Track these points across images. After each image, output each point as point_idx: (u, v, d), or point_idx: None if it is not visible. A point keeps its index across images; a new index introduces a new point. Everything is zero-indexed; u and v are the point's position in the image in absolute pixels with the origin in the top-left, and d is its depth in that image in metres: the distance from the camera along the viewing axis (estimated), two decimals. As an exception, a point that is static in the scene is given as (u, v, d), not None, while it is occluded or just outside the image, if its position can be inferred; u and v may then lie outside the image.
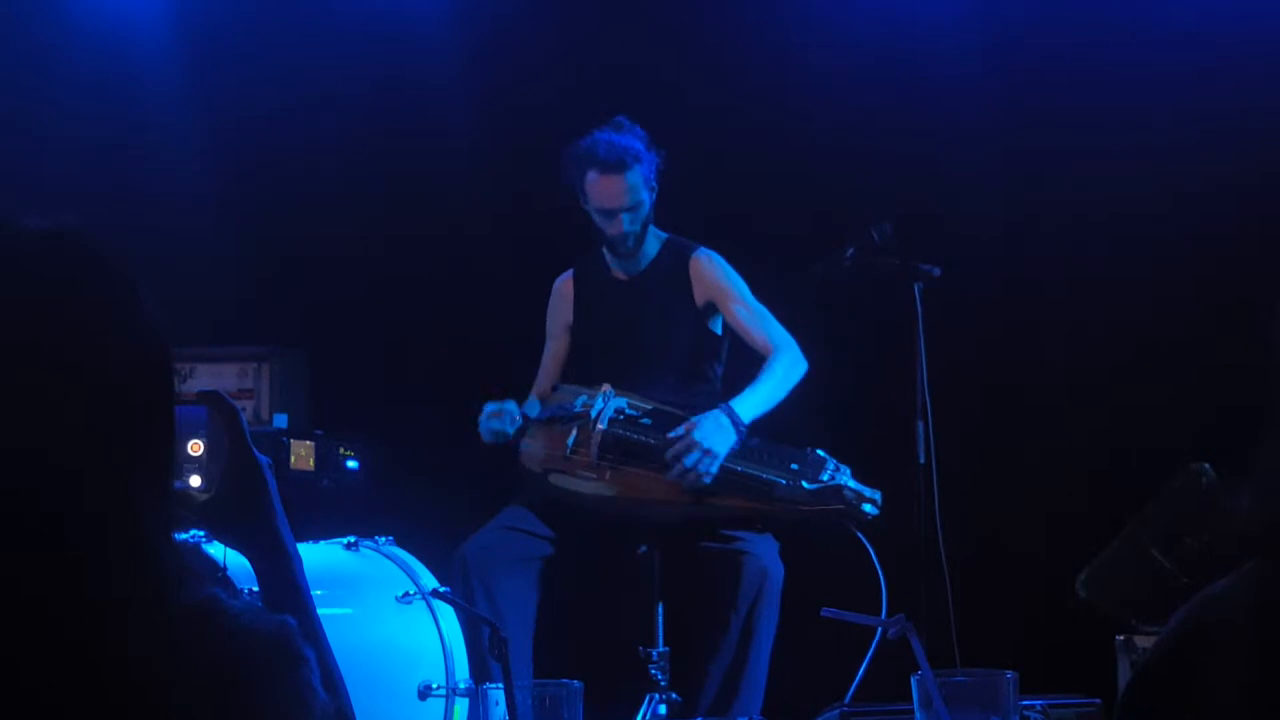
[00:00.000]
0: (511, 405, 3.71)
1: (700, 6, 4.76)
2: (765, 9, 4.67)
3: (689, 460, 3.47)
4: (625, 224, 3.72)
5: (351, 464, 4.24)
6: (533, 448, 3.71)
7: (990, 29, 4.47)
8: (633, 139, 3.69)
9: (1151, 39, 4.33)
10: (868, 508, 3.42)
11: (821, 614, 2.48)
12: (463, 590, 3.47)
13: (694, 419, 3.52)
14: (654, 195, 3.75)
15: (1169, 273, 4.25)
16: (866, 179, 4.40)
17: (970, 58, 4.43)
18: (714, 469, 3.48)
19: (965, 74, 4.41)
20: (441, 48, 4.70)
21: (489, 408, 3.71)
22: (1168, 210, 4.25)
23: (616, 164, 3.66)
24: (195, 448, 3.42)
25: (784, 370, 3.65)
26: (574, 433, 3.64)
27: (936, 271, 3.66)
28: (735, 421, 3.52)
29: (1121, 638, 3.39)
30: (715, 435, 3.49)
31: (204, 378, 4.17)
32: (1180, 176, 4.22)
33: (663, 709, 3.48)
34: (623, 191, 3.68)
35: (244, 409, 1.39)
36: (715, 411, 3.53)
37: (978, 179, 4.41)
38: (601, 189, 3.70)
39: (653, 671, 3.52)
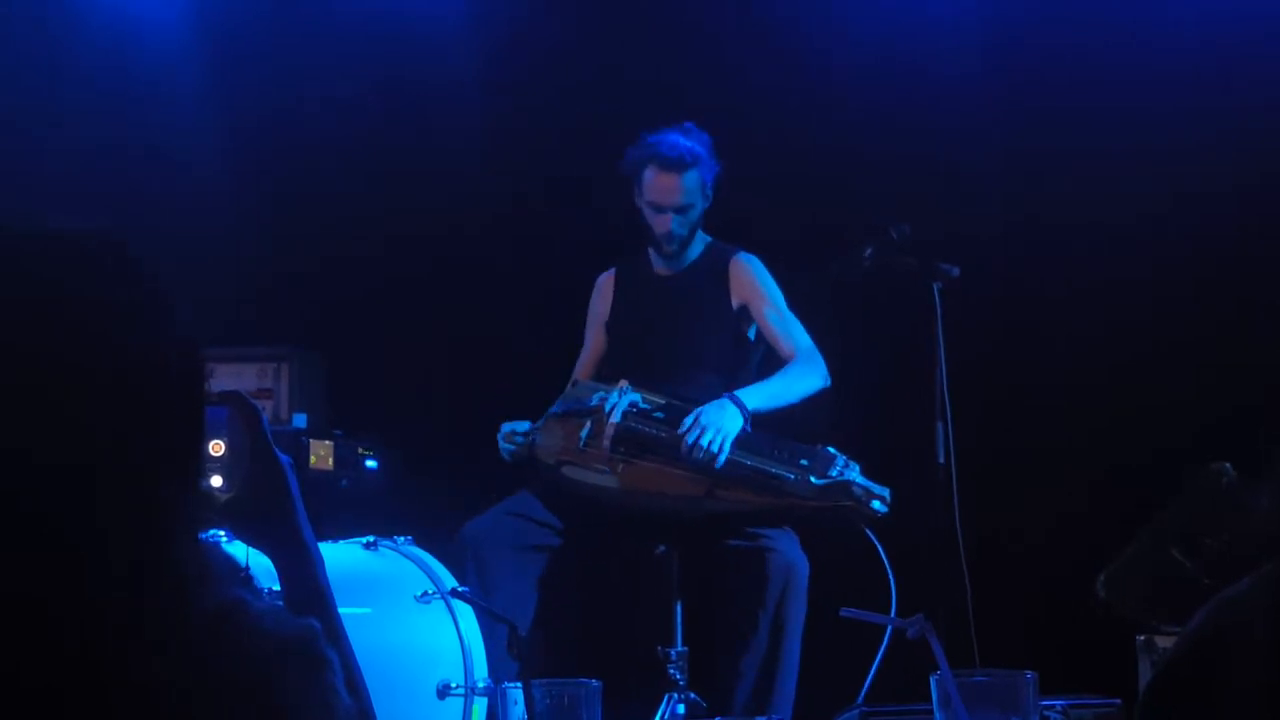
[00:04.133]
0: (524, 425, 3.77)
1: (717, 10, 4.76)
2: (780, 11, 4.67)
3: (696, 438, 3.48)
4: (674, 224, 3.77)
5: (370, 464, 4.25)
6: (547, 440, 3.74)
7: (1006, 29, 4.46)
8: (696, 144, 3.76)
9: (1168, 36, 4.32)
10: (876, 504, 3.43)
11: (840, 614, 2.48)
12: (458, 572, 3.49)
13: (699, 408, 3.55)
14: (708, 203, 3.79)
15: (1182, 272, 4.24)
16: (884, 179, 4.39)
17: (989, 57, 4.43)
18: (726, 447, 3.49)
19: (984, 75, 4.41)
20: (460, 48, 4.71)
21: (505, 429, 3.77)
22: (1175, 210, 4.24)
23: (676, 162, 3.73)
24: (216, 448, 3.43)
25: (797, 374, 3.69)
26: (588, 425, 3.67)
27: (955, 271, 3.66)
28: (738, 404, 3.56)
29: (1142, 638, 3.37)
30: (721, 416, 3.53)
31: (224, 378, 4.18)
32: (1195, 176, 4.21)
33: (681, 708, 3.49)
34: (677, 190, 3.74)
35: (263, 409, 1.40)
36: (719, 400, 3.57)
37: (993, 179, 4.41)
38: (657, 185, 3.76)
39: (671, 671, 3.53)
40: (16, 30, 4.67)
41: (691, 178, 3.74)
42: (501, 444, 3.76)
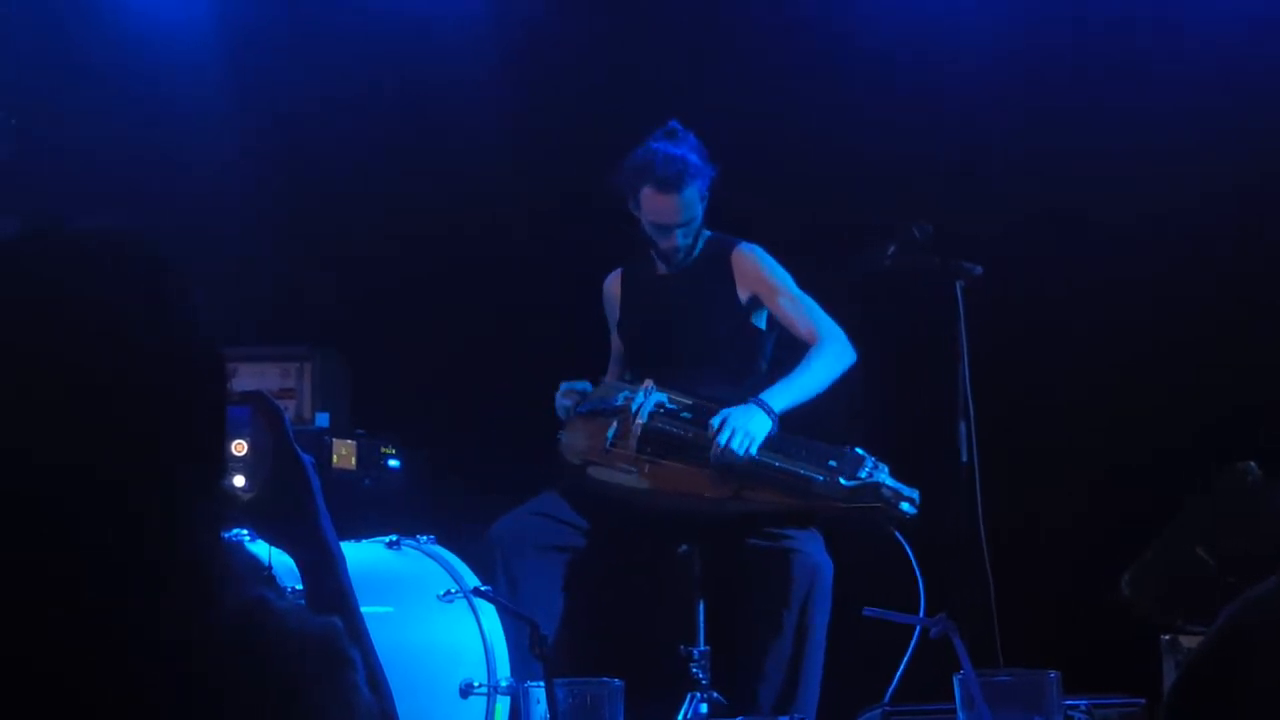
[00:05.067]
0: (585, 385, 3.77)
1: (737, 9, 4.76)
2: (801, 10, 4.67)
3: (724, 440, 3.47)
4: (679, 238, 3.76)
5: (393, 463, 4.26)
6: (573, 440, 3.73)
7: (1028, 26, 4.46)
8: (689, 152, 3.69)
9: (1199, 36, 4.31)
10: (905, 506, 3.41)
11: (863, 613, 2.48)
12: (486, 572, 3.49)
13: (726, 410, 3.54)
14: (705, 204, 3.76)
15: (1208, 271, 4.23)
16: (906, 178, 4.39)
17: (1013, 55, 4.42)
18: (753, 449, 3.48)
19: (1008, 72, 4.41)
20: (479, 47, 4.73)
21: (564, 386, 3.77)
22: (1215, 206, 4.22)
23: (674, 181, 3.67)
24: (239, 448, 3.44)
25: (823, 361, 3.64)
26: (614, 426, 3.66)
27: (978, 270, 3.64)
28: (766, 409, 3.53)
29: (1166, 637, 3.37)
30: (748, 420, 3.51)
31: (246, 377, 4.18)
32: (1219, 175, 4.20)
33: (704, 708, 3.48)
34: (678, 208, 3.70)
35: (286, 408, 1.40)
36: (745, 404, 3.55)
37: (1016, 178, 4.40)
38: (658, 205, 3.72)
39: (694, 670, 3.52)
40: (39, 31, 4.70)
41: (690, 193, 3.68)
42: (559, 400, 3.76)
